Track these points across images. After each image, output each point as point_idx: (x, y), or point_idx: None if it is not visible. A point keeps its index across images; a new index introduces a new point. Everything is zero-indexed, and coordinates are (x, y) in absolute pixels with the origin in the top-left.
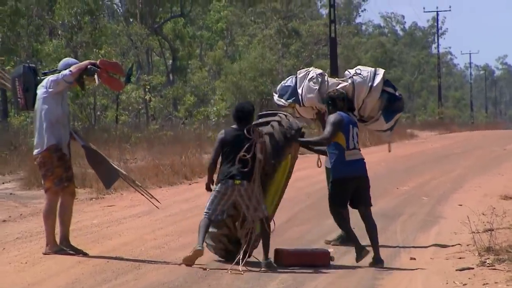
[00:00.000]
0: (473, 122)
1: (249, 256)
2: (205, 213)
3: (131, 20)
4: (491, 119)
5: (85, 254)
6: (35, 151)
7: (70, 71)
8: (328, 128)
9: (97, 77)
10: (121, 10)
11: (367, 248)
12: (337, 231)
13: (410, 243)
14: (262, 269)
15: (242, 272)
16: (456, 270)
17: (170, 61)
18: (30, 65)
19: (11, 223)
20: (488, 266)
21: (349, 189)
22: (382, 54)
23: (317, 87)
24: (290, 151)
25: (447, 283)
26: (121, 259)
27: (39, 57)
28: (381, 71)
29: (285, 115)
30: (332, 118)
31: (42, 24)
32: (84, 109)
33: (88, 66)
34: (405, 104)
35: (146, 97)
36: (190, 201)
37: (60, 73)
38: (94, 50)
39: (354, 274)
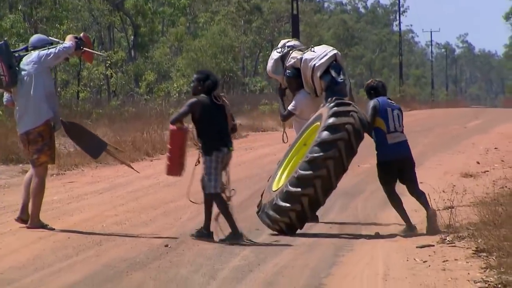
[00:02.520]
0: (433, 100)
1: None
2: (215, 191)
3: None
4: (451, 97)
5: (51, 229)
6: (26, 128)
7: (71, 43)
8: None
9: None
10: None
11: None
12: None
13: (372, 220)
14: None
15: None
16: (417, 247)
17: (132, 37)
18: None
19: None
20: (448, 244)
21: (393, 171)
22: (344, 31)
23: (275, 57)
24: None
25: (407, 260)
26: (83, 234)
27: None
28: (331, 53)
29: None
30: (369, 104)
31: None
32: None
33: (76, 40)
34: (351, 90)
35: (107, 73)
36: (151, 178)
37: (60, 46)
38: (56, 25)
39: (316, 251)
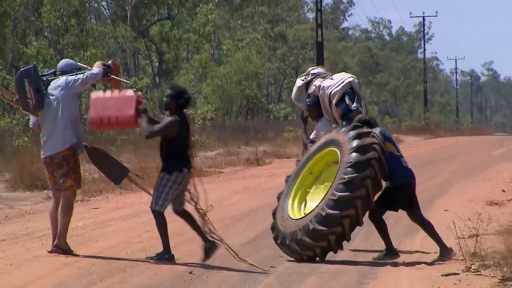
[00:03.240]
0: (458, 128)
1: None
2: (160, 210)
3: (117, 22)
4: (476, 125)
5: (76, 255)
6: (51, 152)
7: (99, 70)
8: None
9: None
10: (108, 13)
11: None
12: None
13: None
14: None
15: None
16: (442, 275)
17: (157, 64)
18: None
19: None
20: (473, 272)
21: (406, 195)
22: (368, 58)
23: (299, 84)
24: None
25: None
26: (107, 260)
27: (24, 59)
28: (347, 80)
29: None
30: (376, 130)
31: (28, 26)
32: None
33: (104, 67)
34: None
35: None
36: None
37: (88, 73)
38: (81, 52)
39: (340, 278)
